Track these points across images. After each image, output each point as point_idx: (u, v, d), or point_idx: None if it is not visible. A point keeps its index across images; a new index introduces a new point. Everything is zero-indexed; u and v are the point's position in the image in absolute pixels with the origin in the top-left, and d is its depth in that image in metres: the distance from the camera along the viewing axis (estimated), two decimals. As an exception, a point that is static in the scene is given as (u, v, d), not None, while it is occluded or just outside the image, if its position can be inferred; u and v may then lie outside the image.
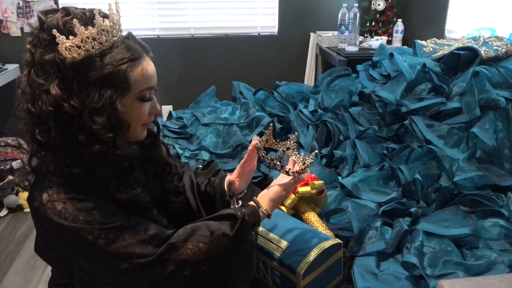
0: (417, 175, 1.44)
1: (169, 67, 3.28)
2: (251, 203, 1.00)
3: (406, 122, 1.70)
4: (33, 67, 0.79)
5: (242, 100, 1.99)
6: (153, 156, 1.05)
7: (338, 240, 1.18)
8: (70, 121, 0.79)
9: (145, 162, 1.03)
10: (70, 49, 0.77)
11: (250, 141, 1.77)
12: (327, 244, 1.14)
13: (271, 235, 1.19)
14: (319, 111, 1.90)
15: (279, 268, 1.14)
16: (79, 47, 0.78)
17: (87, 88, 0.79)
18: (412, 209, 1.36)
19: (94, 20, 0.79)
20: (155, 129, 1.06)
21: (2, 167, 2.52)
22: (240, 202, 1.19)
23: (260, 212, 0.97)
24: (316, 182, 1.39)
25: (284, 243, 1.17)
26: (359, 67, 2.19)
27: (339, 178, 1.66)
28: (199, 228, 0.92)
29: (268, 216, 0.98)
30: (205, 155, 1.74)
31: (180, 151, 1.77)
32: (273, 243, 1.18)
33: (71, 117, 0.78)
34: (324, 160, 1.78)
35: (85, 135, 0.80)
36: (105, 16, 0.82)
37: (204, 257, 0.89)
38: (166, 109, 3.44)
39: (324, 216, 1.41)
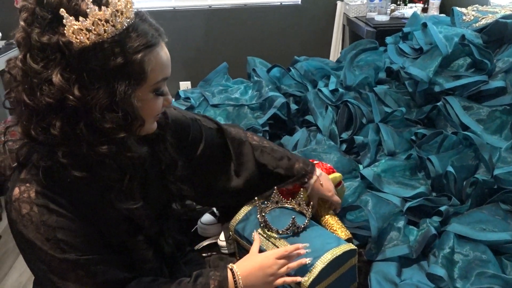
0: (450, 167, 1.25)
1: (186, 41, 3.12)
2: (228, 267, 0.87)
3: (439, 103, 1.48)
4: (29, 51, 0.65)
5: (255, 78, 1.82)
6: (159, 151, 0.91)
7: (352, 246, 1.02)
8: (74, 117, 0.67)
9: (148, 157, 0.90)
10: (78, 33, 0.63)
11: (262, 125, 1.62)
12: (338, 251, 0.98)
13: (274, 235, 1.05)
14: (340, 90, 1.70)
15: (282, 277, 1.00)
16: (89, 30, 0.64)
17: (99, 79, 0.66)
18: (442, 208, 1.18)
19: None
20: (162, 120, 0.92)
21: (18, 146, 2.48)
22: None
23: (232, 284, 0.85)
24: (332, 175, 1.22)
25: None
26: (388, 39, 1.96)
27: (360, 166, 1.48)
28: (156, 281, 0.82)
29: None
30: (213, 139, 1.59)
31: (186, 135, 1.64)
32: (276, 246, 1.04)
33: (77, 112, 0.66)
34: (343, 146, 1.60)
35: (93, 134, 0.68)
36: None
37: None
38: (184, 85, 3.31)
39: (340, 213, 1.25)
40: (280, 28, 3.09)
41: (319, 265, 0.95)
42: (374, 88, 1.69)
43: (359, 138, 1.49)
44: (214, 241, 1.32)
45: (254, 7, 3.06)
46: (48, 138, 0.67)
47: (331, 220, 1.18)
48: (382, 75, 1.81)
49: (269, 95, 1.66)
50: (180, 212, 1.00)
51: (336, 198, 1.14)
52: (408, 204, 1.24)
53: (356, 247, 1.02)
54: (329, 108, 1.68)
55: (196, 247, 1.24)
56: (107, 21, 0.65)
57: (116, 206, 0.75)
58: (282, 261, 0.90)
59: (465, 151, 1.32)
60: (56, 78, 0.64)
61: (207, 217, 1.39)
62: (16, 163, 0.73)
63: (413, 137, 1.48)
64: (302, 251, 0.94)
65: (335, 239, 1.04)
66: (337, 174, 1.23)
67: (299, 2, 3.05)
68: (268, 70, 1.84)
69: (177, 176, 0.95)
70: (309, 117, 1.73)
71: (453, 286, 1.00)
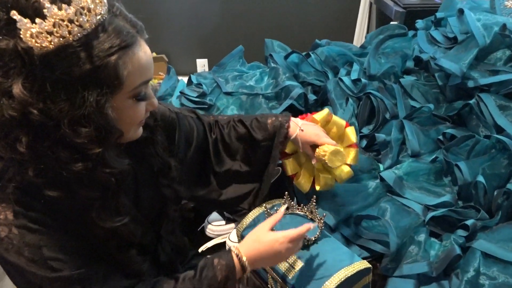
0: (480, 176, 1.13)
1: (202, 17, 2.99)
2: (233, 252, 0.82)
3: (472, 101, 1.35)
4: None
5: (272, 64, 1.70)
6: (148, 154, 0.85)
7: (366, 265, 0.94)
8: (43, 132, 0.59)
9: (136, 163, 0.83)
10: (37, 36, 0.55)
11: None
12: (350, 271, 0.90)
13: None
14: (363, 80, 1.57)
15: (289, 293, 0.93)
16: (50, 33, 0.55)
17: (66, 89, 0.58)
18: (469, 222, 1.07)
19: None
20: (151, 121, 0.85)
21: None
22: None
23: (239, 269, 0.81)
24: (316, 114, 1.12)
25: (298, 263, 0.95)
26: (419, 24, 1.80)
27: (380, 166, 1.38)
28: (160, 282, 0.77)
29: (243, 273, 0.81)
30: (225, 130, 1.51)
31: (197, 124, 1.55)
32: (286, 261, 0.96)
33: (44, 127, 0.59)
34: (364, 142, 1.49)
35: (65, 150, 0.61)
36: None
37: None
38: (201, 62, 3.21)
39: (354, 219, 1.16)
40: (302, 6, 2.92)
41: (330, 285, 0.88)
42: (400, 80, 1.56)
43: (381, 136, 1.38)
44: (221, 241, 1.25)
45: (275, -20, 2.90)
46: (15, 156, 0.60)
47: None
48: (410, 64, 1.66)
49: (286, 84, 1.55)
50: (175, 215, 0.93)
51: (326, 139, 1.04)
52: (430, 214, 1.14)
53: (370, 266, 0.94)
54: (350, 99, 1.55)
55: (201, 249, 1.18)
56: (71, 21, 0.56)
57: (99, 224, 0.68)
58: (291, 245, 0.84)
59: (498, 157, 1.20)
60: (17, 89, 0.56)
61: (215, 216, 1.32)
62: None
63: (441, 137, 1.36)
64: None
65: (348, 255, 0.96)
66: (323, 112, 1.13)
67: (324, -23, 2.87)
68: (286, 56, 1.72)
69: (171, 178, 0.89)
70: (327, 107, 1.62)
71: (476, 313, 0.91)
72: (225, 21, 3.01)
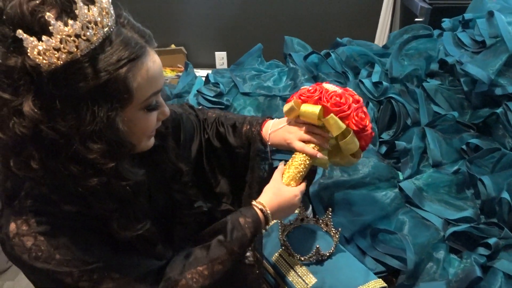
0: (505, 192, 1.08)
1: (222, 9, 2.95)
2: (256, 207, 0.84)
3: (499, 110, 1.29)
4: None
5: (291, 65, 1.66)
6: (161, 161, 0.85)
7: (382, 284, 0.91)
8: (55, 149, 0.59)
9: (149, 170, 0.83)
10: (45, 53, 0.54)
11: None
12: (365, 290, 0.88)
13: (300, 265, 0.96)
14: (384, 83, 1.52)
15: (301, 310, 0.92)
16: (57, 49, 0.54)
17: (75, 105, 0.57)
18: (491, 240, 1.03)
19: (75, 9, 0.54)
20: (162, 129, 0.85)
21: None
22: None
23: (263, 221, 0.84)
24: (286, 105, 0.98)
25: (312, 279, 0.93)
26: (445, 23, 1.72)
27: (399, 174, 1.34)
28: (192, 252, 0.79)
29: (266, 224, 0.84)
30: (241, 132, 1.49)
31: (213, 125, 1.54)
32: (298, 275, 0.95)
33: (56, 144, 0.58)
34: (383, 148, 1.44)
35: (78, 166, 0.60)
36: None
37: (209, 281, 0.76)
38: (220, 55, 3.18)
39: (371, 232, 1.13)
40: (323, 1, 2.84)
41: (343, 307, 0.86)
42: (424, 84, 1.50)
43: (401, 144, 1.34)
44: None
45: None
46: (29, 173, 0.60)
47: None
48: (434, 66, 1.60)
49: (304, 86, 1.51)
50: (188, 220, 0.93)
51: (297, 144, 0.91)
52: (451, 230, 1.10)
53: (386, 285, 0.92)
54: (370, 103, 1.51)
55: None
56: (77, 36, 0.54)
57: (121, 235, 0.68)
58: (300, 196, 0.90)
59: (526, 171, 1.15)
60: (27, 107, 0.56)
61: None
62: (4, 197, 0.66)
63: (464, 147, 1.31)
64: None
65: (363, 273, 0.94)
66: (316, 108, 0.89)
67: (347, -30, 2.78)
68: (305, 57, 1.67)
69: (183, 183, 0.90)
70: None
71: None
72: (245, 14, 2.96)
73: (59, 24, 0.54)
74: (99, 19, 0.57)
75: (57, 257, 0.64)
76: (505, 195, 1.08)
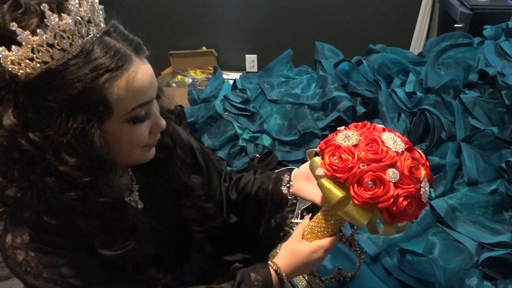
0: (548, 217, 1.00)
1: (253, 11, 2.93)
2: (271, 267, 0.77)
3: (544, 126, 1.20)
4: None
5: (321, 72, 1.61)
6: (169, 176, 0.82)
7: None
8: (33, 160, 0.58)
9: (157, 184, 0.81)
10: (19, 63, 0.54)
11: (322, 129, 1.44)
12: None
13: (320, 286, 0.92)
14: (418, 94, 1.45)
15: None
16: (31, 59, 0.54)
17: (49, 116, 0.56)
18: (531, 269, 0.95)
19: (46, 18, 0.54)
20: (168, 141, 0.82)
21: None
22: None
23: (276, 283, 0.77)
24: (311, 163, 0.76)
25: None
26: (487, 31, 1.63)
27: (432, 192, 1.27)
28: None
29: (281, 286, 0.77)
30: (267, 140, 1.46)
31: (239, 131, 1.51)
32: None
33: (34, 155, 0.58)
34: (415, 162, 1.38)
35: (54, 179, 0.59)
36: (60, 8, 0.56)
37: None
38: (250, 58, 3.16)
39: (398, 252, 1.07)
40: (356, 5, 2.77)
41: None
42: (461, 95, 1.42)
43: (434, 159, 1.27)
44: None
45: (332, -23, 2.77)
46: (13, 182, 0.60)
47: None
48: (473, 77, 1.51)
49: (334, 95, 1.47)
50: (199, 236, 0.88)
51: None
52: (486, 255, 1.02)
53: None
54: (403, 115, 1.44)
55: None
56: (50, 45, 0.53)
57: (102, 253, 0.66)
58: (325, 254, 0.79)
59: None
60: (7, 118, 0.56)
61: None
62: (6, 206, 0.66)
63: (503, 165, 1.23)
64: None
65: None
66: (316, 159, 0.74)
67: (384, -27, 2.70)
68: (336, 65, 1.63)
69: (194, 198, 0.86)
70: (377, 121, 1.51)
71: None
72: (277, 17, 2.93)
73: (27, 33, 0.53)
74: (75, 28, 0.55)
75: (44, 275, 0.63)
76: (548, 221, 1.00)
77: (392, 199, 0.63)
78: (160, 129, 0.70)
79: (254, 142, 1.47)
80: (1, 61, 0.54)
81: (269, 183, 0.95)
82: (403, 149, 0.66)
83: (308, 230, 0.79)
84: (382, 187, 0.63)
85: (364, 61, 1.66)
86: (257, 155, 1.43)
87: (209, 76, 2.97)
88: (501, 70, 1.37)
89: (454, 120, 1.39)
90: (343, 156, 0.66)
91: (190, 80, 2.99)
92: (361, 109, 1.50)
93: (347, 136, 0.68)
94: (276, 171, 0.98)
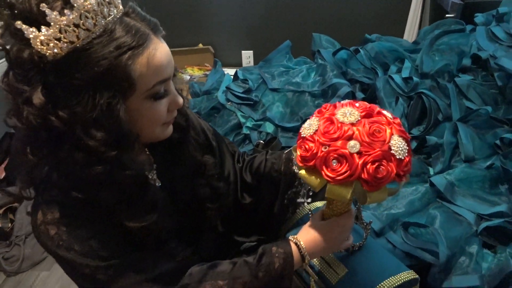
0: (542, 187, 1.06)
1: (249, 9, 2.98)
2: (291, 241, 0.80)
3: (535, 104, 1.26)
4: (11, 68, 0.61)
5: (320, 61, 1.67)
6: (183, 155, 0.86)
7: (414, 275, 0.90)
8: (62, 137, 0.61)
9: (173, 164, 0.85)
10: (48, 43, 0.57)
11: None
12: (397, 280, 0.88)
13: (329, 256, 0.97)
14: (415, 79, 1.51)
15: (331, 299, 0.92)
16: (58, 39, 0.57)
17: (77, 93, 0.59)
18: (527, 235, 1.01)
19: (71, 0, 0.57)
20: (183, 122, 0.85)
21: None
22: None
23: (297, 258, 0.79)
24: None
25: (343, 269, 0.93)
26: (479, 18, 1.69)
27: (430, 170, 1.33)
28: (218, 264, 0.77)
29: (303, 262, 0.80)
30: (270, 128, 1.51)
31: (242, 120, 1.56)
32: (329, 265, 0.95)
33: (63, 132, 0.61)
34: (414, 144, 1.43)
35: (83, 154, 0.62)
36: None
37: None
38: (246, 54, 3.21)
39: (402, 225, 1.13)
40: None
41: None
42: (456, 79, 1.48)
43: (432, 139, 1.33)
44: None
45: (324, -27, 2.83)
46: (43, 159, 0.63)
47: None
48: (467, 62, 1.57)
49: (333, 82, 1.52)
50: (213, 214, 0.92)
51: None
52: (484, 224, 1.09)
53: (418, 276, 0.91)
54: (400, 99, 1.50)
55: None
56: (76, 25, 0.57)
57: (128, 225, 0.69)
58: (344, 230, 0.83)
59: (563, 166, 1.12)
60: (36, 97, 0.59)
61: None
62: (32, 186, 0.69)
63: (498, 142, 1.29)
64: None
65: (394, 264, 0.94)
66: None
67: (375, -33, 2.76)
68: (334, 53, 1.68)
69: (208, 177, 0.89)
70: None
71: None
72: (272, 12, 2.98)
73: (55, 14, 0.56)
74: (98, 9, 0.59)
75: (76, 248, 0.66)
76: (542, 190, 1.06)
77: (359, 169, 0.65)
78: (177, 106, 0.74)
79: (258, 130, 1.52)
80: (31, 42, 0.57)
81: (280, 164, 0.99)
82: (359, 118, 0.68)
83: (324, 211, 0.84)
84: (345, 161, 0.65)
85: (361, 50, 1.71)
86: (261, 141, 1.47)
87: (207, 72, 3.02)
88: (493, 53, 1.43)
89: (450, 103, 1.44)
90: (307, 145, 0.70)
91: (188, 77, 3.03)
92: (360, 95, 1.56)
93: (309, 125, 0.72)
94: (286, 151, 1.02)
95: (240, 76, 1.70)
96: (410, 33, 2.59)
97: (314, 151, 0.68)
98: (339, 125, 0.68)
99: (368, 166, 0.65)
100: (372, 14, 2.82)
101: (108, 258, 0.68)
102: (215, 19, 3.06)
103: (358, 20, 2.85)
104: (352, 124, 0.67)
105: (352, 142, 0.66)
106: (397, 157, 0.67)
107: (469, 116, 1.36)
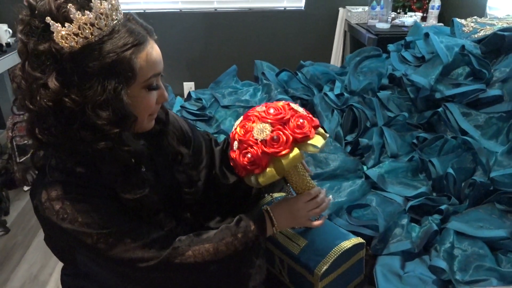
0: (450, 169, 1.33)
1: (191, 42, 3.19)
2: (263, 209, 0.97)
3: (439, 109, 1.58)
4: (27, 59, 0.72)
5: (264, 81, 1.89)
6: (163, 145, 0.99)
7: (360, 240, 1.10)
8: (72, 117, 0.73)
9: (154, 153, 0.97)
10: (67, 38, 0.70)
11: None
12: (348, 244, 1.06)
13: (289, 231, 1.13)
14: (346, 94, 1.79)
15: (296, 267, 1.08)
16: (76, 34, 0.70)
17: (89, 80, 0.72)
18: (443, 207, 1.26)
19: (91, 3, 0.71)
20: (163, 116, 0.99)
21: (25, 141, 2.52)
22: None
23: (269, 223, 0.96)
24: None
25: (303, 241, 1.10)
26: (391, 47, 2.05)
27: (364, 167, 1.57)
28: (204, 232, 0.90)
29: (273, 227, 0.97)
30: (224, 139, 1.67)
31: (198, 134, 1.71)
32: (291, 239, 1.11)
33: (73, 112, 0.72)
34: (348, 148, 1.68)
35: (89, 132, 0.74)
36: None
37: (212, 258, 0.87)
38: (188, 85, 3.38)
39: (347, 209, 1.33)
40: (284, 32, 3.17)
41: (332, 256, 1.03)
42: (378, 94, 1.78)
43: (364, 141, 1.58)
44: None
45: (259, 11, 3.14)
46: (50, 139, 0.74)
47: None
48: (385, 81, 1.89)
49: (278, 98, 1.74)
50: (188, 198, 1.03)
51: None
52: (410, 203, 1.33)
53: (364, 241, 1.10)
54: (335, 111, 1.76)
55: None
56: (92, 24, 0.70)
57: (123, 197, 0.80)
58: (310, 203, 0.99)
59: (464, 154, 1.41)
60: (52, 82, 0.70)
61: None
62: (35, 169, 0.80)
63: (415, 141, 1.57)
64: (325, 196, 1.04)
65: (344, 234, 1.13)
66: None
67: (303, 8, 3.13)
68: (277, 74, 1.92)
69: (185, 164, 1.02)
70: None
71: (453, 277, 1.09)
72: (212, 46, 3.21)
73: (78, 13, 0.70)
74: (109, 12, 0.73)
75: (79, 220, 0.76)
76: (450, 171, 1.33)
77: (240, 166, 0.94)
78: (164, 99, 0.87)
79: (213, 142, 1.68)
80: (54, 35, 0.70)
81: None
82: (239, 122, 0.96)
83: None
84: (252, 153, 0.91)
85: (298, 73, 1.97)
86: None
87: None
88: (405, 72, 1.75)
89: (375, 113, 1.73)
90: (233, 155, 0.96)
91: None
92: (301, 109, 1.79)
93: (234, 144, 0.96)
94: None
95: (194, 96, 1.86)
96: (336, 60, 2.97)
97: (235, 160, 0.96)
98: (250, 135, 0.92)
99: (244, 156, 0.92)
100: (304, 45, 3.19)
101: (108, 227, 0.78)
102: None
103: (292, 51, 3.19)
104: (235, 129, 0.96)
105: (235, 143, 0.95)
106: (262, 138, 0.90)
107: (391, 122, 1.64)
